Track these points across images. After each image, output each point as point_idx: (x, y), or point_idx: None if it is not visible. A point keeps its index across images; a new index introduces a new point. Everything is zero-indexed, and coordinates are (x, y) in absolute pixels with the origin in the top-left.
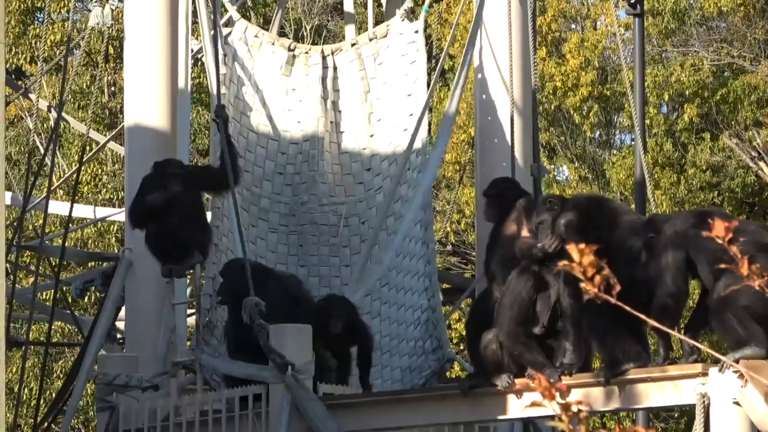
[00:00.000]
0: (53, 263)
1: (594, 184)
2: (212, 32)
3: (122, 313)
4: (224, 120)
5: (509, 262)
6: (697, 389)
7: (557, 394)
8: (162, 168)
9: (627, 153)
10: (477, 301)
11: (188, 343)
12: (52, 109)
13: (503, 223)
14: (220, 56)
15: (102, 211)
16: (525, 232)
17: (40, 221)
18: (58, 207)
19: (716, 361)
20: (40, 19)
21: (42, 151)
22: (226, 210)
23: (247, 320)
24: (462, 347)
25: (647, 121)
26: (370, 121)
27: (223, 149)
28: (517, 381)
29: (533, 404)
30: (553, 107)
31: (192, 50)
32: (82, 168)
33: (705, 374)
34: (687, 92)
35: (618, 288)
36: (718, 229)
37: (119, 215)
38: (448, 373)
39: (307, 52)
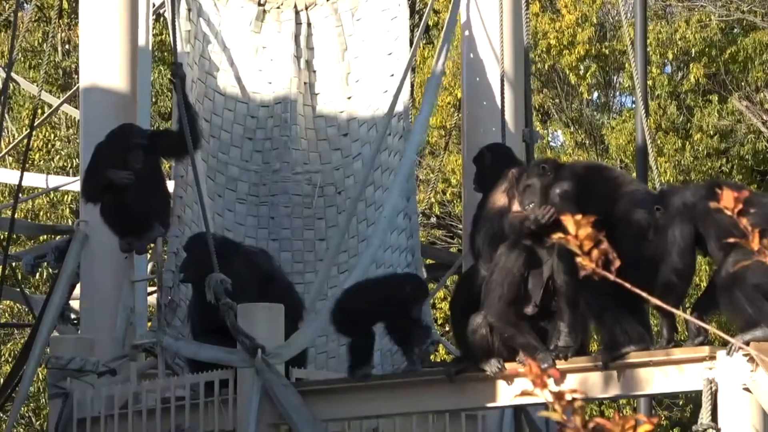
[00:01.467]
0: (1, 237)
1: (591, 150)
2: None
3: (77, 291)
4: (182, 79)
5: (497, 237)
6: (703, 374)
7: (549, 381)
8: (122, 138)
9: (627, 117)
10: (463, 278)
11: (149, 324)
12: (0, 68)
13: (492, 194)
14: (183, 11)
15: (55, 180)
16: (516, 206)
17: None
18: (7, 175)
19: (724, 344)
20: None
21: None
22: (190, 179)
23: (212, 299)
24: (447, 328)
25: (649, 82)
26: (347, 81)
27: (180, 111)
28: (508, 366)
29: (524, 393)
30: (546, 67)
31: (153, 5)
32: (34, 133)
33: (712, 358)
34: (693, 51)
35: (617, 263)
36: (727, 199)
37: (73, 185)
38: (432, 357)
39: (278, 7)
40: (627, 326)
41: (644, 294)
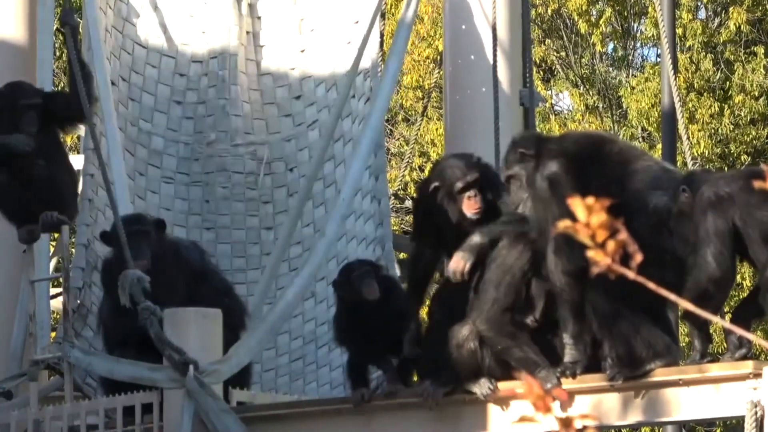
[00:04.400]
0: None
1: (606, 115)
2: None
3: None
4: (73, 29)
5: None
6: (746, 395)
7: (554, 404)
8: (10, 98)
9: (651, 74)
10: (447, 278)
11: (53, 334)
12: None
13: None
14: None
15: None
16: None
17: None
18: None
19: None
20: None
21: None
22: (104, 153)
23: (126, 302)
24: None
25: (678, 31)
26: (300, 30)
27: (72, 68)
28: (502, 386)
29: (522, 419)
30: (550, 12)
31: None
32: None
33: (758, 375)
34: None
35: (639, 258)
36: None
37: None
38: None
39: None
40: (650, 336)
41: (676, 297)
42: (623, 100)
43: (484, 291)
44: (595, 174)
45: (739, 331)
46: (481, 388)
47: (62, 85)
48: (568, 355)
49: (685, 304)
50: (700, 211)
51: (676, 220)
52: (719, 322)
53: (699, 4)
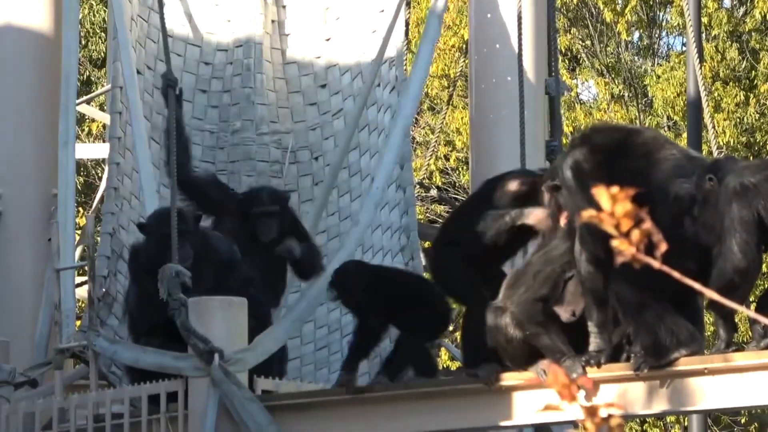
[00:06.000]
0: None
1: (631, 104)
2: None
3: None
4: (176, 91)
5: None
6: None
7: (579, 393)
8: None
9: (677, 63)
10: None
11: (78, 323)
12: None
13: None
14: None
15: None
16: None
17: None
18: None
19: None
20: None
21: None
22: (129, 142)
23: (164, 295)
24: (451, 327)
25: (704, 20)
26: (325, 19)
27: (169, 135)
28: (523, 374)
29: (547, 408)
30: (575, 0)
31: None
32: None
33: None
34: None
35: (664, 247)
36: None
37: None
38: None
39: None
40: (674, 325)
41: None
42: (649, 89)
43: (522, 274)
44: (620, 165)
45: (764, 320)
46: (484, 371)
47: (87, 73)
48: (593, 344)
49: (710, 294)
50: (725, 200)
51: (701, 207)
52: (744, 312)
53: None
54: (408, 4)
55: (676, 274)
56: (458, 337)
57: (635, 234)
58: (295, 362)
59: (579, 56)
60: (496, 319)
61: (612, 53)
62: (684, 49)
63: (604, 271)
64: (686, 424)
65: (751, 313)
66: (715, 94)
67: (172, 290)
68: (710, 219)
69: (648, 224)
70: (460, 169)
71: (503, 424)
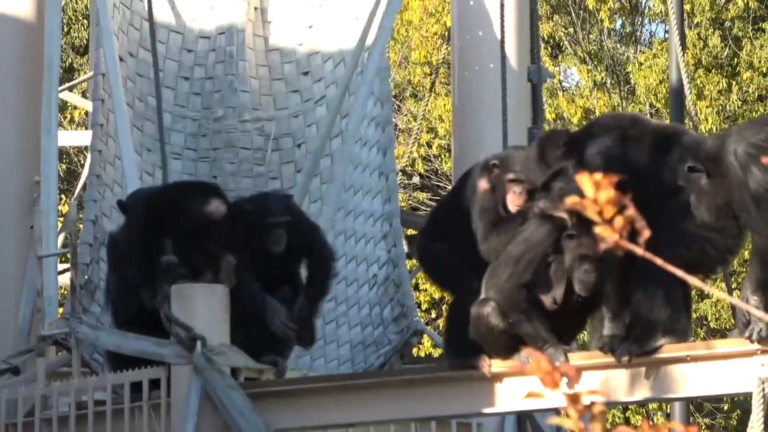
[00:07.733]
0: None
1: (614, 92)
2: None
3: None
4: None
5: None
6: (754, 372)
7: (562, 380)
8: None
9: (659, 50)
10: None
11: (60, 310)
12: None
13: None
14: None
15: None
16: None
17: None
18: None
19: None
20: None
21: None
22: (111, 129)
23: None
24: (434, 315)
25: (687, 6)
26: (308, 6)
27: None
28: (506, 363)
29: (530, 395)
30: None
31: None
32: None
33: (765, 352)
34: None
35: (646, 234)
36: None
37: None
38: (415, 351)
39: None
40: (659, 313)
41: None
42: (631, 76)
43: (504, 262)
44: (638, 152)
45: (747, 308)
46: (479, 361)
47: (69, 60)
48: (607, 328)
49: (697, 283)
50: (740, 167)
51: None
52: (727, 299)
53: None
54: None
55: (659, 261)
56: (441, 325)
57: (618, 221)
58: None
59: (561, 43)
60: (479, 309)
61: (594, 40)
62: (666, 36)
63: (625, 259)
64: (669, 411)
65: (734, 300)
66: (698, 82)
67: (163, 284)
68: (714, 200)
69: (631, 211)
70: (443, 156)
71: (486, 411)
